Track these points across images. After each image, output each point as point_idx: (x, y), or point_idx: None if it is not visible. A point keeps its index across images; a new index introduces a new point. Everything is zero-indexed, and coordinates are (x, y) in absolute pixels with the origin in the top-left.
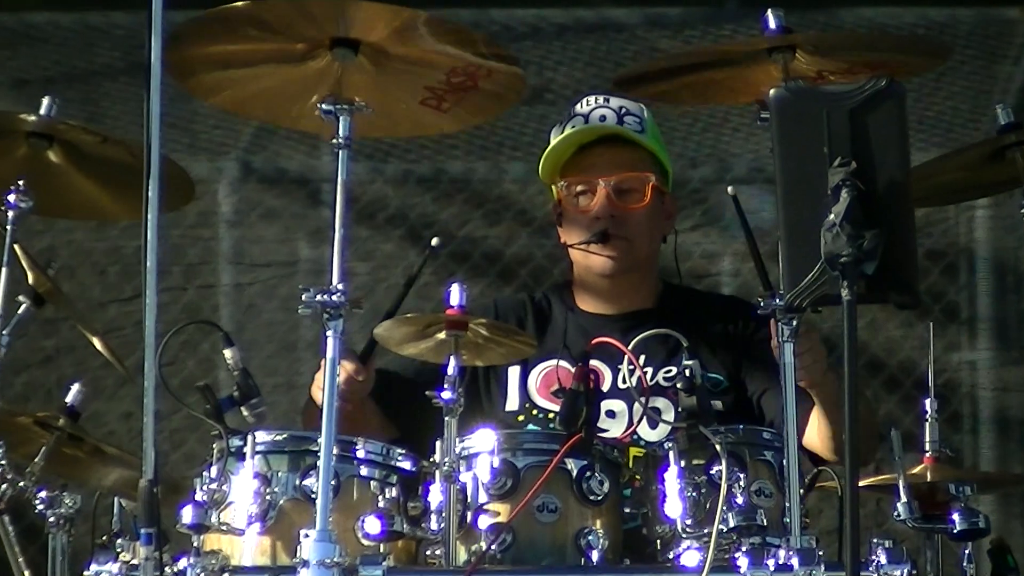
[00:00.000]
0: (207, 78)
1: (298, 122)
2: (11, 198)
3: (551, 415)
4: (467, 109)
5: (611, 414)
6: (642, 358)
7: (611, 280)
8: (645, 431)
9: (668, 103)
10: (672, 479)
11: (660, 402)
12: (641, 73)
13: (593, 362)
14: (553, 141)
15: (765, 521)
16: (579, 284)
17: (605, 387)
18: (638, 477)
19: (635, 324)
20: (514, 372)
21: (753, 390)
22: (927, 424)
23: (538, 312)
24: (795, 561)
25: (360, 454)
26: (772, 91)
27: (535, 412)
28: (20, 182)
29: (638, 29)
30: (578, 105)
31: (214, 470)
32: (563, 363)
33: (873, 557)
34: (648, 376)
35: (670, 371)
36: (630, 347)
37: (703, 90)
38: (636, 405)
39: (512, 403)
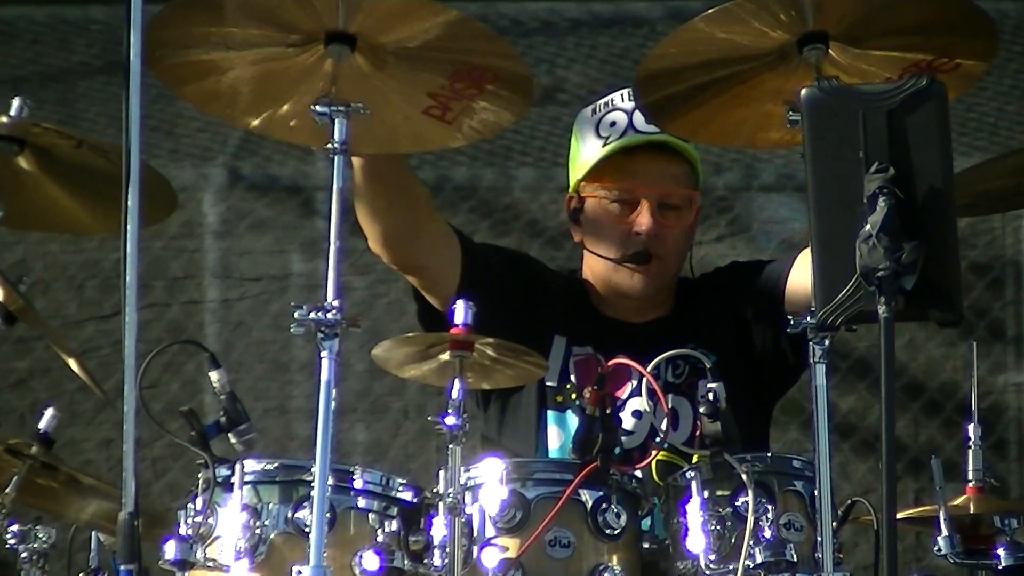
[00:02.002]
0: (185, 66)
1: (286, 128)
2: None
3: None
4: (474, 120)
5: (637, 414)
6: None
7: (636, 298)
8: (670, 433)
9: (684, 126)
10: (694, 511)
11: (674, 399)
12: (659, 73)
13: (621, 360)
14: (587, 136)
15: (795, 556)
16: (595, 289)
17: (631, 387)
18: (659, 483)
19: (655, 333)
20: (559, 342)
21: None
22: (970, 451)
23: (575, 289)
24: None
25: (357, 484)
26: (803, 90)
27: (575, 398)
28: None
29: (659, 24)
30: (618, 97)
31: (199, 502)
32: (600, 355)
33: None
34: (665, 373)
35: (678, 366)
36: (648, 368)
37: (726, 91)
38: (659, 409)
39: (552, 376)
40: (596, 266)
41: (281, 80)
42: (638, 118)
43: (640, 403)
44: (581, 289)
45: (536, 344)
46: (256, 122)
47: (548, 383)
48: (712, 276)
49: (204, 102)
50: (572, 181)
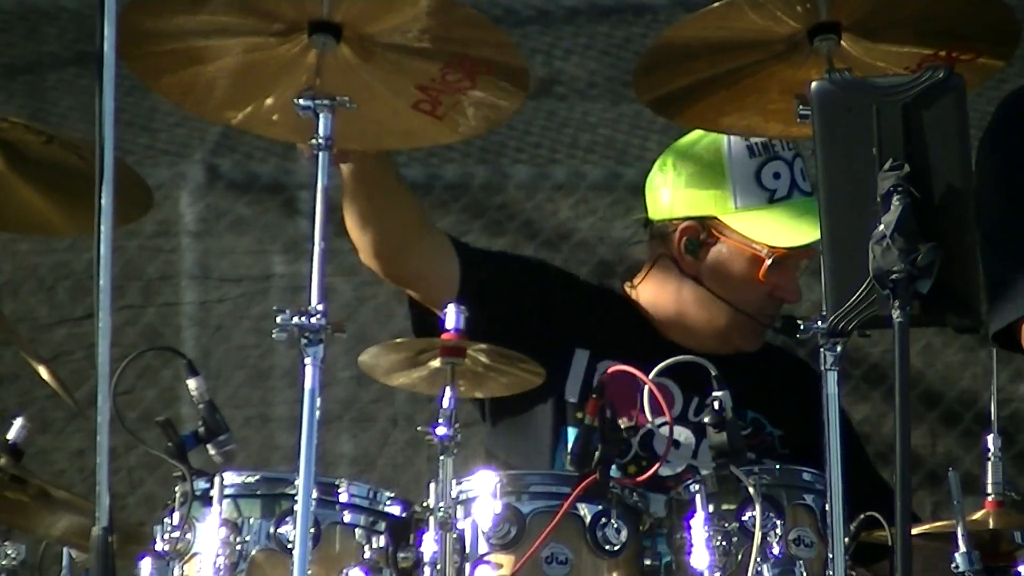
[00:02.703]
0: (161, 59)
1: (267, 124)
2: None
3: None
4: (467, 115)
5: (676, 444)
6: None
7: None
8: (706, 463)
9: (684, 115)
10: (699, 526)
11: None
12: (661, 61)
13: (662, 381)
14: (742, 176)
15: (805, 574)
16: (667, 320)
17: (673, 413)
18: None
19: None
20: (581, 355)
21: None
22: (989, 463)
23: (610, 301)
24: None
25: (343, 498)
26: (814, 83)
27: None
28: None
29: (661, 12)
30: (778, 143)
31: (176, 516)
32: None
33: None
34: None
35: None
36: (650, 376)
37: (731, 84)
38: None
39: (572, 391)
40: (710, 306)
41: (262, 73)
42: (797, 169)
43: (680, 433)
44: (620, 303)
45: (553, 357)
46: (237, 117)
47: (569, 399)
48: (796, 363)
49: (180, 96)
50: (697, 208)
